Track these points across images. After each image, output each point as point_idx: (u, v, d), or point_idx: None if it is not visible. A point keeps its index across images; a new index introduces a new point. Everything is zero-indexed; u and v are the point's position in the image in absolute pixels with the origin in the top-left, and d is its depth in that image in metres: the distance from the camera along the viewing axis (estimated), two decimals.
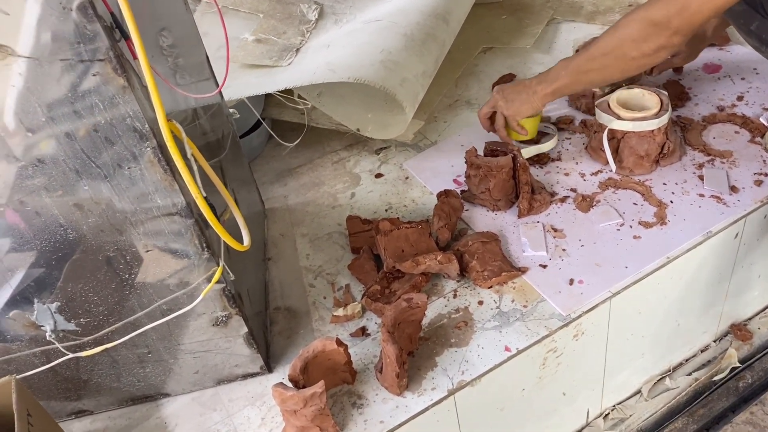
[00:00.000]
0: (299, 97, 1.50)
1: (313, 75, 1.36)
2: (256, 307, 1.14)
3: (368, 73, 1.33)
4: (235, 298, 0.97)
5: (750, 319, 1.46)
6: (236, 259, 1.01)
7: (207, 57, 1.16)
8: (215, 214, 0.82)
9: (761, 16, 1.22)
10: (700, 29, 1.13)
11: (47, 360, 0.95)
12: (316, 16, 1.68)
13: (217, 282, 0.92)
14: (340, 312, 1.16)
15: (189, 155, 0.82)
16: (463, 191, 1.36)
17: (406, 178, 1.45)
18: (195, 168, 0.82)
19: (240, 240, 0.91)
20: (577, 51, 1.49)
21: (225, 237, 0.84)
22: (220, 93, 1.23)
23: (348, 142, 1.59)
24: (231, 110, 1.23)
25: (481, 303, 1.14)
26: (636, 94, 1.34)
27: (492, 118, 1.38)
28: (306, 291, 1.23)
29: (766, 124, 1.36)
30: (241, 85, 1.44)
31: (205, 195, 0.80)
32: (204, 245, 0.88)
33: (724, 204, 1.23)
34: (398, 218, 1.30)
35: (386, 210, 1.38)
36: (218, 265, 0.91)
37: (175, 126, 0.79)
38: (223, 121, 1.21)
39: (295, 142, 1.50)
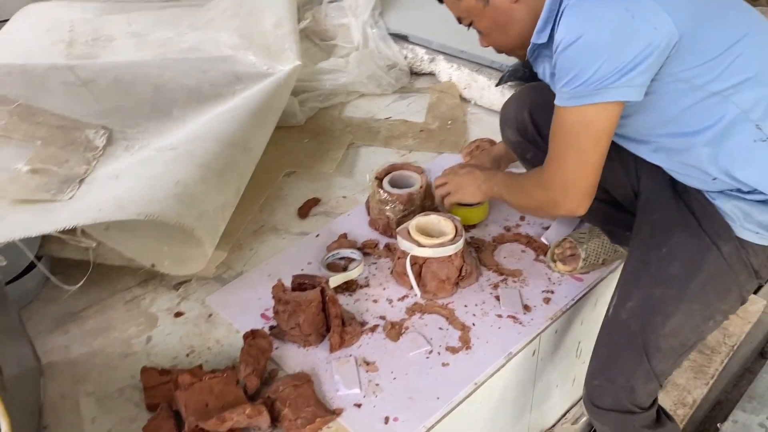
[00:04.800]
0: (83, 233, 1.35)
1: (99, 212, 1.23)
2: None
3: (161, 208, 1.24)
4: None
5: (554, 426, 1.54)
6: None
7: None
8: None
9: (534, 148, 1.37)
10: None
11: None
12: (104, 142, 1.56)
13: None
14: None
15: None
16: (272, 327, 1.29)
17: (210, 315, 1.35)
18: None
19: None
20: (376, 178, 1.54)
21: None
22: None
23: (143, 278, 1.45)
24: None
25: None
26: (433, 220, 1.40)
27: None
28: None
29: (546, 242, 1.49)
30: (12, 224, 1.26)
31: None
32: None
33: (520, 324, 1.30)
34: (201, 366, 1.19)
35: (187, 355, 1.26)
36: None
37: None
38: None
39: (77, 285, 1.32)
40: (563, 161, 1.11)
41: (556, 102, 1.08)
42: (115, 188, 1.33)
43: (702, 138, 1.08)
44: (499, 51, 1.23)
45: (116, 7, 2.59)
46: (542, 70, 1.21)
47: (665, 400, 1.60)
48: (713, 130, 1.07)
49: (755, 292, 1.90)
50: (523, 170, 1.51)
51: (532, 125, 1.34)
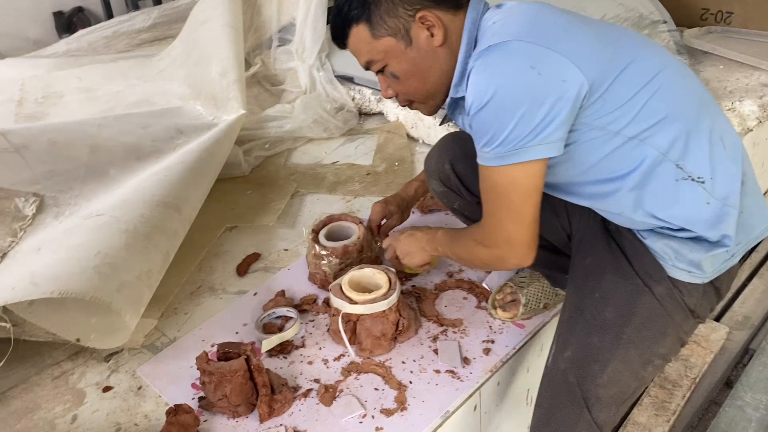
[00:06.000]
0: (4, 310, 1.30)
1: (12, 291, 1.19)
2: None
3: (77, 282, 1.20)
4: None
5: None
6: None
7: None
8: None
9: (459, 198, 1.34)
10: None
11: None
12: (34, 211, 1.52)
13: None
14: None
15: None
16: (201, 398, 1.25)
17: (140, 387, 1.30)
18: None
19: None
20: (313, 231, 1.51)
21: None
22: None
23: (73, 350, 1.40)
24: None
25: None
26: (367, 273, 1.36)
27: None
28: None
29: (487, 288, 1.45)
30: None
31: None
32: None
33: (459, 379, 1.25)
34: None
35: None
36: None
37: None
38: None
39: None
40: (499, 220, 1.08)
41: (478, 161, 1.05)
42: (33, 263, 1.29)
43: (625, 183, 1.05)
44: (405, 100, 1.17)
45: (68, 62, 2.58)
46: (461, 121, 1.18)
47: None
48: (635, 175, 1.04)
49: (717, 320, 1.86)
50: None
51: (454, 176, 1.31)
